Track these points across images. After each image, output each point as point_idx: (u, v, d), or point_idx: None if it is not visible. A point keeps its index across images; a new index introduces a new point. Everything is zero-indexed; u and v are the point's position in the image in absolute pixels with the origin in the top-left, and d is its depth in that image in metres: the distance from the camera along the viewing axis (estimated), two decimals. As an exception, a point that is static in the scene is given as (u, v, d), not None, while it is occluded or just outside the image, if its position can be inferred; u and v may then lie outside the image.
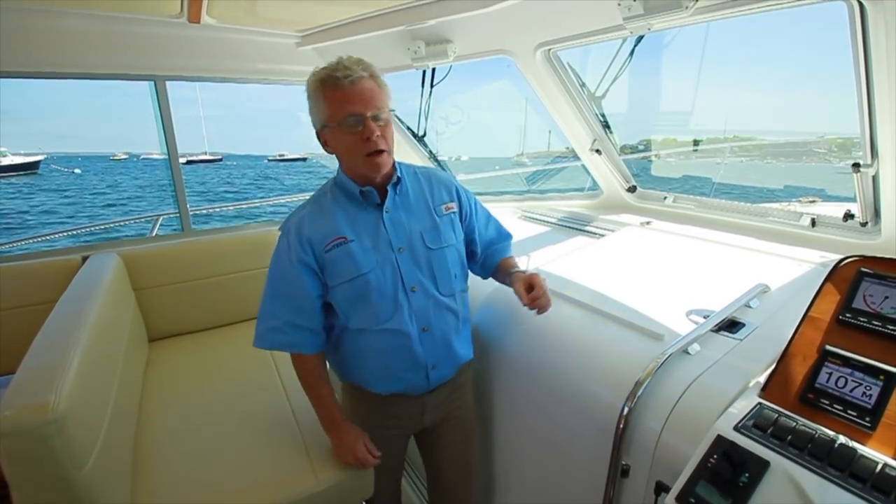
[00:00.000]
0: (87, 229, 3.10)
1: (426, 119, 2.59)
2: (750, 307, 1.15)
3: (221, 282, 2.20)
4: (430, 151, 2.82)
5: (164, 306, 2.09)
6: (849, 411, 0.76)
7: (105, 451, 1.08)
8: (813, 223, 1.55)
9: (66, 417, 0.93)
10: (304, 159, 61.77)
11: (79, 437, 0.98)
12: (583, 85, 1.92)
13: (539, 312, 1.14)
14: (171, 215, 2.53)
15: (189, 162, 52.35)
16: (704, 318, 1.11)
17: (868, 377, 0.78)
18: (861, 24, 1.04)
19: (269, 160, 66.73)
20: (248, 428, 1.45)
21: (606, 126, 2.02)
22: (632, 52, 1.77)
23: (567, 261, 1.56)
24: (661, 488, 0.89)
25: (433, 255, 1.15)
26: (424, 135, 2.71)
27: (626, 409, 0.95)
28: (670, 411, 0.92)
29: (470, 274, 1.33)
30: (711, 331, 1.06)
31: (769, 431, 0.77)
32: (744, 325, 1.09)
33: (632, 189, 2.15)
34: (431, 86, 2.37)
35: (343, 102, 1.02)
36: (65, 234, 2.99)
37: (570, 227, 2.09)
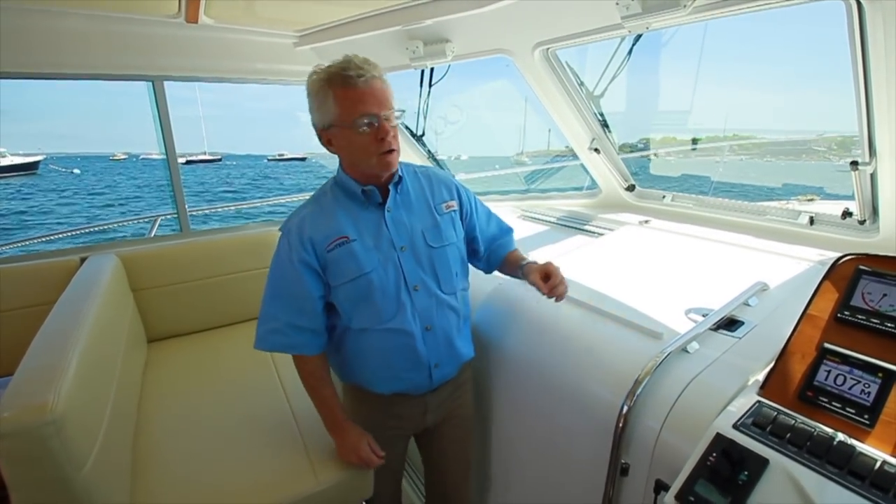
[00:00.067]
0: (86, 230, 3.08)
1: (425, 119, 2.59)
2: (749, 305, 1.15)
3: (220, 282, 2.20)
4: (429, 151, 2.82)
5: (163, 307, 2.09)
6: (847, 409, 0.76)
7: (104, 452, 1.08)
8: (811, 221, 1.56)
9: (65, 418, 0.93)
10: (304, 159, 61.78)
11: (77, 438, 0.98)
12: (581, 84, 1.92)
13: (557, 300, 1.14)
14: (170, 216, 2.52)
15: (188, 162, 52.37)
16: (703, 316, 1.11)
17: (866, 375, 0.78)
18: (859, 23, 1.04)
19: (268, 160, 66.74)
20: (247, 428, 1.44)
21: (605, 125, 2.02)
22: (630, 51, 1.77)
23: (566, 260, 1.55)
24: (660, 487, 0.89)
25: (435, 253, 1.15)
26: (423, 134, 2.72)
27: (625, 408, 0.95)
28: (669, 410, 0.92)
29: (469, 271, 1.33)
30: (710, 329, 1.06)
31: (768, 429, 0.78)
32: (743, 323, 1.09)
33: (630, 188, 2.15)
34: (430, 85, 2.36)
35: (357, 102, 1.01)
36: (62, 235, 2.99)
37: (568, 227, 2.09)
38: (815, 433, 0.75)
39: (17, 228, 17.36)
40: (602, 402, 1.04)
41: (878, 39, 1.03)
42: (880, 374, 0.77)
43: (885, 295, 0.83)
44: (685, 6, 1.21)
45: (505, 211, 2.41)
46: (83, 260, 1.95)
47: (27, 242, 2.55)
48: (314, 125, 1.09)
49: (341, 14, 1.88)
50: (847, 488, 0.67)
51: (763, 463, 0.73)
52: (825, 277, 0.91)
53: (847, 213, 1.46)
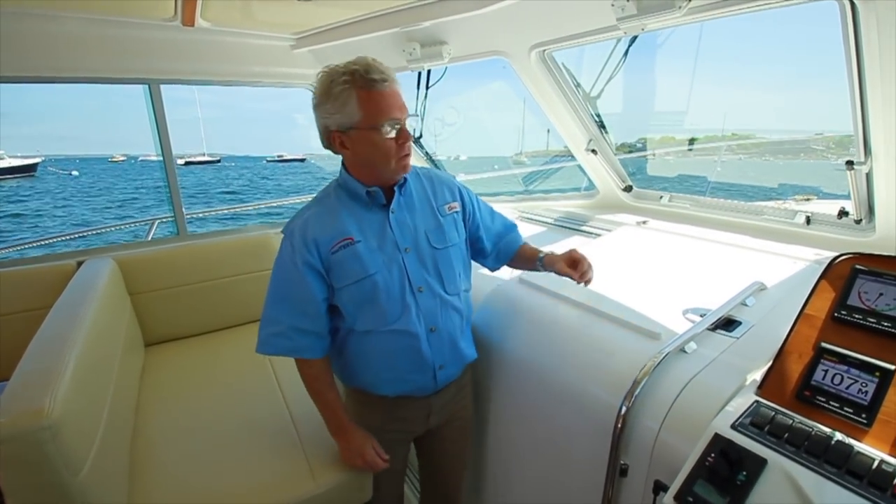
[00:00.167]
0: (82, 234, 3.06)
1: (422, 120, 2.59)
2: (746, 305, 1.15)
3: (218, 285, 2.20)
4: (427, 152, 2.82)
5: (161, 311, 2.08)
6: (845, 408, 0.76)
7: (101, 456, 1.08)
8: (808, 221, 1.56)
9: (61, 423, 0.93)
10: (303, 160, 61.82)
11: (74, 443, 0.97)
12: (578, 85, 1.93)
13: (587, 284, 1.17)
14: (167, 219, 2.52)
15: (187, 163, 52.56)
16: (701, 316, 1.11)
17: (864, 374, 0.78)
18: (853, 23, 1.05)
19: (267, 161, 66.84)
20: (245, 432, 1.44)
21: (602, 126, 2.02)
22: (626, 53, 1.78)
23: (564, 261, 1.56)
24: (659, 487, 0.89)
25: (438, 254, 1.15)
26: (420, 136, 2.72)
27: (623, 409, 0.95)
28: (668, 410, 0.92)
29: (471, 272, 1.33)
30: (708, 329, 1.07)
31: (766, 429, 0.78)
32: (740, 323, 1.09)
33: (628, 189, 2.15)
34: (427, 87, 2.37)
35: (383, 106, 1.01)
36: (56, 239, 2.99)
37: (566, 227, 2.10)
38: (813, 433, 0.75)
39: (10, 232, 17.29)
40: (600, 402, 1.04)
41: (871, 40, 1.03)
42: (877, 374, 0.77)
43: (881, 294, 0.83)
44: (680, 7, 1.21)
45: (503, 212, 2.40)
46: (79, 264, 1.94)
47: (22, 247, 2.54)
48: (326, 126, 1.06)
49: (338, 16, 1.88)
50: (845, 487, 0.67)
51: (761, 463, 0.73)
52: (822, 277, 0.92)
53: (843, 213, 1.46)
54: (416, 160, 2.76)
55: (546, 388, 1.19)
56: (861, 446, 0.72)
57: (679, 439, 0.88)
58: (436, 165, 2.86)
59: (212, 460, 1.32)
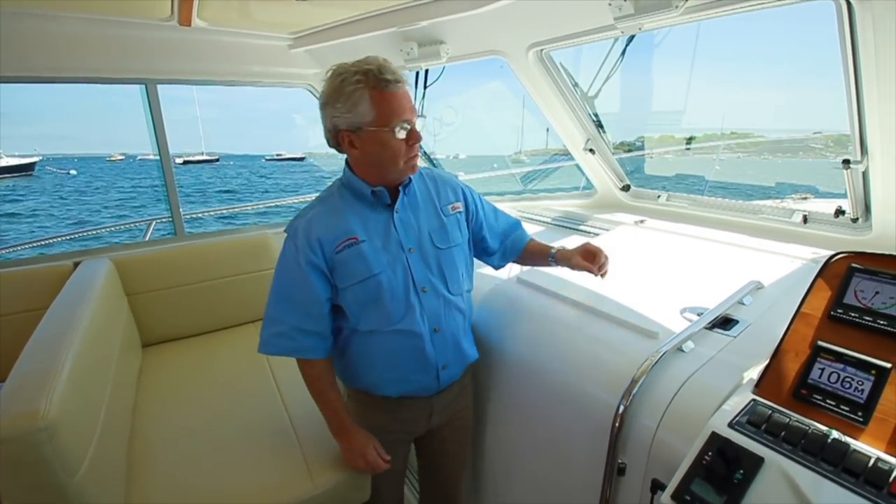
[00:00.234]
0: (76, 235, 3.05)
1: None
2: (743, 304, 1.16)
3: (216, 286, 2.19)
4: (425, 152, 2.82)
5: (158, 311, 2.07)
6: (841, 406, 0.77)
7: (98, 457, 1.07)
8: (805, 220, 1.57)
9: (58, 424, 0.92)
10: (302, 159, 61.76)
11: (70, 445, 0.97)
12: (575, 85, 1.93)
13: (604, 276, 1.19)
14: (165, 220, 2.51)
15: (186, 162, 52.66)
16: (698, 315, 1.11)
17: (860, 372, 0.78)
18: (849, 23, 1.05)
19: (266, 160, 66.82)
20: (243, 432, 1.44)
21: (599, 126, 2.02)
22: (623, 52, 1.78)
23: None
24: (656, 486, 0.88)
25: (442, 254, 1.15)
26: (419, 136, 2.71)
27: (621, 408, 0.95)
28: (665, 409, 0.92)
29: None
30: (705, 328, 1.07)
31: (763, 428, 0.78)
32: (737, 322, 1.09)
33: (626, 188, 2.16)
34: (425, 87, 2.37)
35: (395, 107, 1.01)
36: (55, 240, 2.98)
37: (564, 227, 2.10)
38: (810, 431, 0.75)
39: (4, 231, 17.23)
40: (598, 401, 1.04)
41: (867, 39, 1.03)
42: (873, 372, 0.77)
43: (877, 292, 0.83)
44: (677, 7, 1.21)
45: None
46: (76, 265, 1.93)
47: (17, 248, 2.53)
48: (335, 125, 1.05)
49: (336, 16, 1.88)
50: (842, 486, 0.67)
51: (758, 461, 0.74)
52: (818, 275, 0.92)
53: (840, 212, 1.47)
54: (414, 160, 2.77)
55: (544, 387, 1.19)
56: (857, 444, 0.72)
57: (676, 438, 0.89)
58: (434, 164, 2.86)
59: (209, 461, 1.32)
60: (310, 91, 2.52)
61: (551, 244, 1.34)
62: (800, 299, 0.91)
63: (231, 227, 2.48)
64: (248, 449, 1.36)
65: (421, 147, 2.89)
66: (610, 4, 1.31)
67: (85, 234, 3.03)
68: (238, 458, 1.32)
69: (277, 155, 65.53)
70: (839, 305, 0.86)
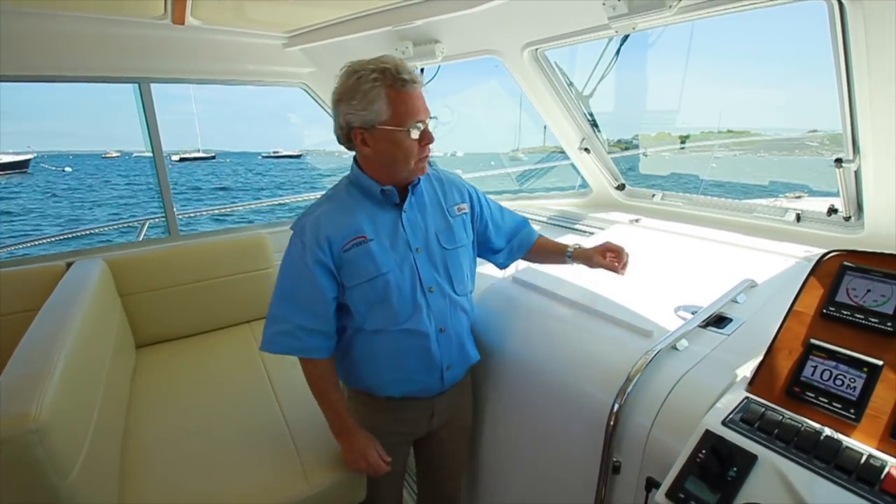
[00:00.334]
0: (71, 235, 3.02)
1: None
2: (737, 302, 1.16)
3: (210, 286, 2.18)
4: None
5: (152, 312, 2.06)
6: (834, 403, 0.77)
7: (90, 459, 1.07)
8: (798, 218, 1.57)
9: (49, 426, 0.91)
10: (299, 156, 61.54)
11: (62, 446, 0.96)
12: (570, 84, 1.93)
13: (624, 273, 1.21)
14: (159, 219, 2.50)
15: (182, 159, 52.62)
16: (692, 314, 1.12)
17: (852, 369, 0.79)
18: (841, 23, 1.06)
19: (262, 157, 66.65)
20: (238, 433, 1.43)
21: (594, 125, 2.03)
22: (618, 52, 1.78)
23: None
24: (651, 484, 0.89)
25: (448, 255, 1.16)
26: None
27: (616, 406, 0.95)
28: (660, 407, 0.93)
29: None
30: (699, 326, 1.07)
31: (756, 425, 0.78)
32: (731, 320, 1.10)
33: (621, 187, 2.16)
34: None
35: (411, 107, 1.01)
36: (48, 240, 2.95)
37: (560, 226, 2.10)
38: (803, 428, 0.75)
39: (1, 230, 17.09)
40: (593, 400, 1.04)
41: (859, 39, 1.04)
42: (865, 369, 0.78)
43: (868, 290, 0.84)
44: (671, 7, 1.22)
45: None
46: (69, 265, 1.92)
47: (10, 249, 2.51)
48: (347, 122, 1.04)
49: (331, 15, 1.87)
50: (834, 483, 0.68)
51: (751, 459, 0.74)
52: (811, 274, 0.92)
53: (832, 210, 1.48)
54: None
55: (539, 385, 1.19)
56: (850, 441, 0.72)
57: (671, 436, 0.89)
58: (429, 163, 2.85)
59: (204, 462, 1.31)
60: (305, 90, 2.51)
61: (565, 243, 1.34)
62: (793, 297, 0.92)
63: (225, 227, 2.47)
64: (242, 450, 1.36)
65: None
66: (604, 4, 1.31)
67: (78, 234, 3.00)
68: (233, 459, 1.32)
69: (274, 152, 65.39)
70: (831, 303, 0.86)
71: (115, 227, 3.37)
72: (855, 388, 0.77)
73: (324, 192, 1.16)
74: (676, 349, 1.02)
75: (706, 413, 0.83)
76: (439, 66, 2.19)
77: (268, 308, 1.11)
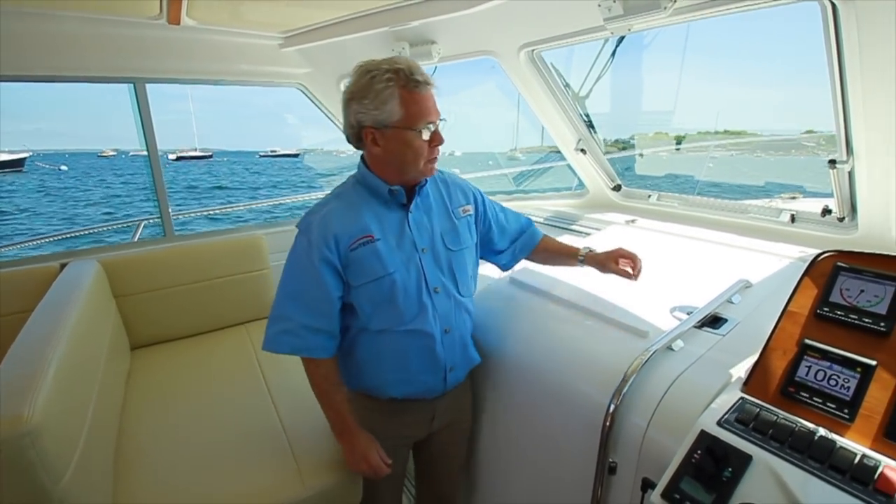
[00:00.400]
0: (65, 235, 2.99)
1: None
2: (732, 303, 1.17)
3: (206, 287, 2.17)
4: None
5: (147, 313, 2.05)
6: (828, 404, 0.77)
7: (84, 462, 1.06)
8: (792, 219, 1.58)
9: (42, 429, 0.91)
10: (297, 155, 61.38)
11: (55, 450, 0.95)
12: (567, 85, 1.93)
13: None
14: (154, 220, 2.48)
15: (179, 158, 52.60)
16: (688, 314, 1.12)
17: (846, 370, 0.79)
18: (834, 24, 1.06)
19: (260, 156, 66.45)
20: (234, 435, 1.42)
21: (591, 126, 2.03)
22: (613, 53, 1.79)
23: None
24: (647, 485, 0.89)
25: (453, 256, 1.16)
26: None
27: (612, 407, 0.95)
28: (655, 408, 0.93)
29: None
30: (695, 327, 1.07)
31: (751, 426, 0.78)
32: (726, 320, 1.10)
33: (617, 188, 2.17)
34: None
35: (424, 109, 1.02)
36: (42, 241, 2.92)
37: (556, 227, 2.10)
38: (797, 428, 0.76)
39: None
40: (590, 400, 1.04)
41: (852, 40, 1.05)
42: (859, 369, 0.78)
43: (862, 291, 0.84)
44: (665, 8, 1.22)
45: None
46: (63, 266, 1.90)
47: (3, 250, 2.49)
48: (358, 121, 1.04)
49: (327, 16, 1.87)
50: (828, 482, 0.68)
51: (746, 459, 0.74)
52: (805, 274, 0.93)
53: (827, 211, 1.49)
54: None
55: (535, 386, 1.19)
56: (844, 441, 0.73)
57: (666, 436, 0.89)
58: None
59: (200, 465, 1.31)
60: (301, 90, 2.50)
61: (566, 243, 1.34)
62: (787, 298, 0.92)
63: (221, 228, 2.46)
64: (238, 452, 1.35)
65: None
66: (599, 6, 1.32)
67: (73, 234, 2.98)
68: (228, 462, 1.31)
69: (272, 151, 65.20)
70: (825, 304, 0.87)
71: (111, 227, 3.34)
72: (849, 388, 0.77)
73: (328, 192, 1.17)
74: (672, 349, 1.02)
75: (701, 413, 0.84)
76: (436, 67, 2.19)
77: (271, 307, 1.10)
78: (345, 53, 2.12)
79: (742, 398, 0.84)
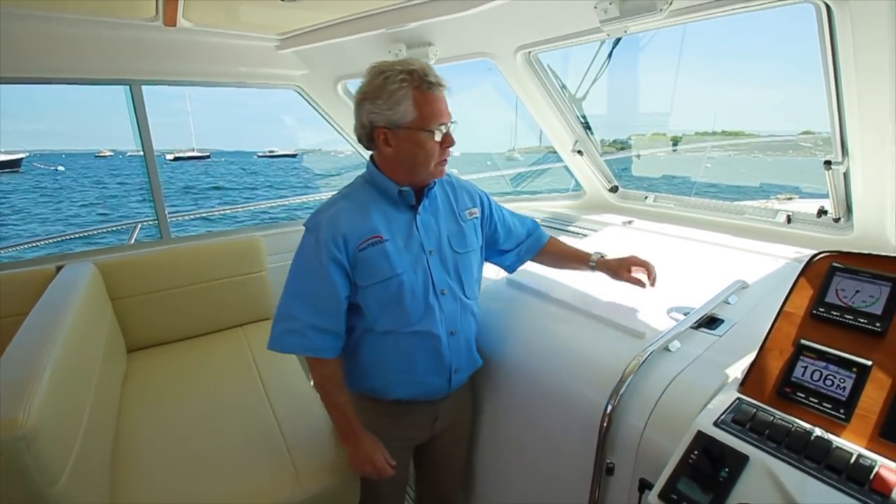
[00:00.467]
0: (61, 238, 2.97)
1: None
2: (728, 303, 1.17)
3: (203, 289, 2.16)
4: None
5: (144, 316, 2.04)
6: (824, 404, 0.78)
7: (80, 466, 1.05)
8: (788, 220, 1.59)
9: (37, 433, 0.90)
10: (295, 155, 61.26)
11: (51, 453, 0.95)
12: (563, 87, 1.94)
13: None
14: (150, 222, 2.47)
15: (177, 158, 52.63)
16: (684, 315, 1.12)
17: (842, 370, 0.79)
18: (829, 26, 1.07)
19: (258, 156, 66.22)
20: (232, 437, 1.42)
21: (587, 127, 2.04)
22: (610, 55, 1.79)
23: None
24: (644, 486, 0.89)
25: (460, 258, 1.16)
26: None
27: (609, 408, 0.96)
28: (652, 408, 0.93)
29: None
30: (691, 328, 1.08)
31: (748, 426, 0.78)
32: (723, 321, 1.10)
33: (614, 189, 2.17)
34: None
35: (437, 110, 1.03)
36: (38, 243, 2.91)
37: (553, 228, 2.10)
38: (794, 428, 0.76)
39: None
40: (587, 401, 1.04)
41: (846, 41, 1.05)
42: (854, 369, 0.78)
43: (857, 291, 0.85)
44: (661, 10, 1.23)
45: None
46: (59, 269, 1.89)
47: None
48: (370, 121, 1.04)
49: (324, 17, 1.87)
50: (825, 482, 0.68)
51: (743, 459, 0.74)
52: (801, 275, 0.93)
53: (822, 212, 1.49)
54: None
55: (532, 387, 1.20)
56: (840, 441, 0.73)
57: (663, 437, 0.89)
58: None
59: (197, 467, 1.30)
60: (298, 92, 2.50)
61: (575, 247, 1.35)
62: (783, 298, 0.92)
63: (218, 230, 2.45)
64: (236, 454, 1.34)
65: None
66: (595, 7, 1.32)
67: (69, 237, 2.96)
68: (226, 464, 1.30)
69: (270, 151, 64.87)
70: (821, 304, 0.87)
71: (107, 229, 3.32)
72: (845, 388, 0.78)
73: (327, 192, 1.17)
74: (669, 350, 1.02)
75: (698, 414, 0.84)
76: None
77: (277, 306, 1.10)
78: (342, 55, 2.12)
79: (738, 399, 0.84)
